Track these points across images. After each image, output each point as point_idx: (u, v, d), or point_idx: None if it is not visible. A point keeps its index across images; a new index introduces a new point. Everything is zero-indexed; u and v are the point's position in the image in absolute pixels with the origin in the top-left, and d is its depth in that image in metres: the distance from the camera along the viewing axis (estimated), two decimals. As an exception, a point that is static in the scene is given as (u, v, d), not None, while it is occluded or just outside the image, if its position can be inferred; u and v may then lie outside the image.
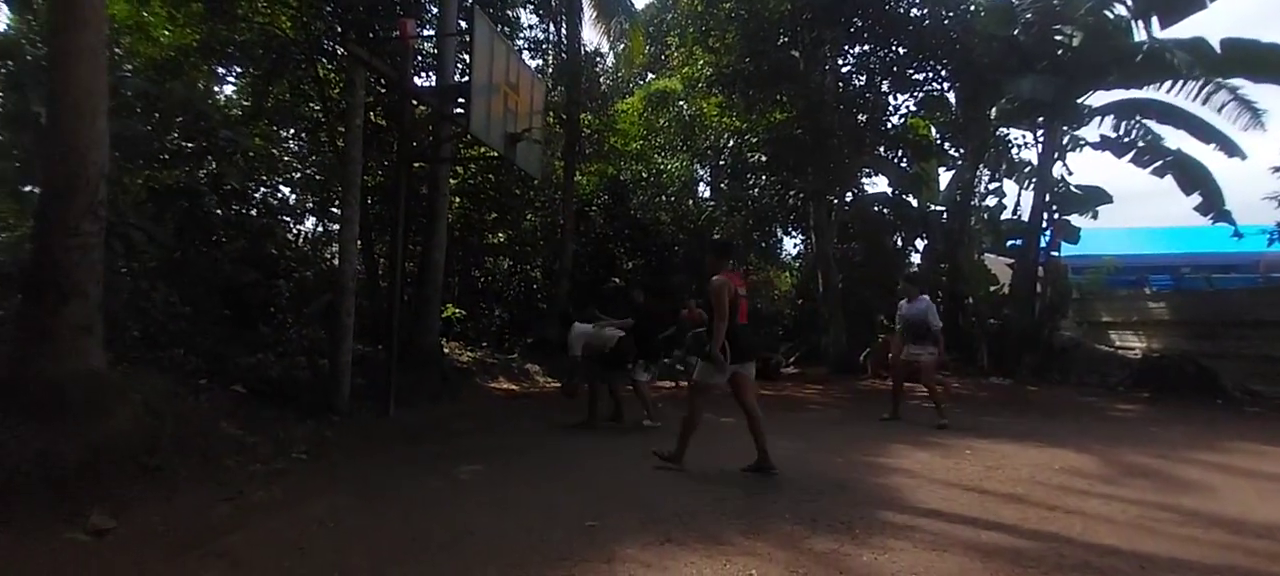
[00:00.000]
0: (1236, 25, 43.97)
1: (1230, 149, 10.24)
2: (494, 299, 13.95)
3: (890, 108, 12.99)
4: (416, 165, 9.26)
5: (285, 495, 3.92)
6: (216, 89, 11.24)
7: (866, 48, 12.25)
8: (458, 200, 12.81)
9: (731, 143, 14.67)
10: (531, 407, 6.84)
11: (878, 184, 15.06)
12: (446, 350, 10.32)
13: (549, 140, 12.30)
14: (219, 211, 8.00)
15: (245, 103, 11.17)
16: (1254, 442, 5.93)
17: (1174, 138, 11.03)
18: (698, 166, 17.19)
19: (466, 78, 7.00)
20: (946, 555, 2.98)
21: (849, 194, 14.40)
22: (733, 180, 15.72)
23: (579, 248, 13.43)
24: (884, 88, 12.62)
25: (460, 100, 7.15)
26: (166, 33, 9.43)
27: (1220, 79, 9.91)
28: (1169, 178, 10.79)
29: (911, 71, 12.00)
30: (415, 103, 8.46)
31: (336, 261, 7.82)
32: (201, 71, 10.10)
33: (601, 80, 15.93)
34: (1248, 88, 10.06)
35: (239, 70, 11.07)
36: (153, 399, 4.52)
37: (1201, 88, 10.09)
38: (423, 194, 9.77)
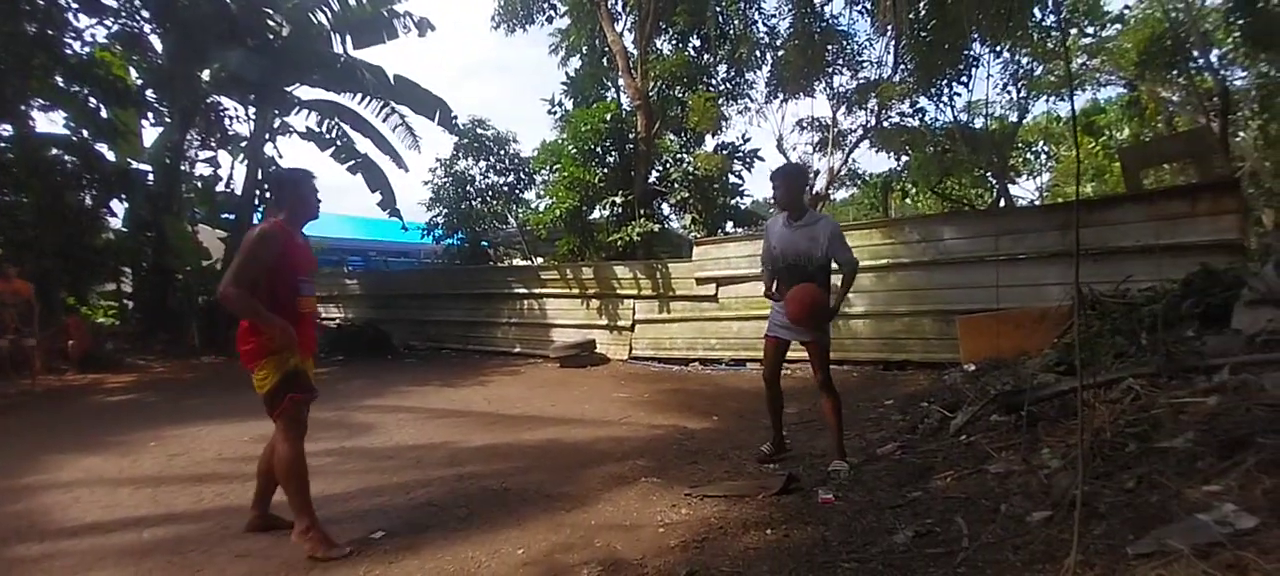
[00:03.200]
0: (402, 65, 57.76)
1: (399, 161, 13.26)
2: None
3: (71, 29, 10.19)
4: None
5: None
6: None
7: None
8: None
9: None
10: None
11: (56, 122, 11.61)
12: None
13: None
14: None
15: None
16: (408, 386, 7.94)
17: (363, 144, 13.35)
18: None
19: None
20: (93, 573, 2.61)
21: (6, 127, 10.48)
22: None
23: None
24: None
25: None
26: None
27: (394, 104, 12.68)
28: (360, 176, 13.02)
29: (101, -8, 9.78)
30: None
31: None
32: None
33: None
34: (412, 117, 13.30)
35: None
36: None
37: (382, 108, 12.66)
38: None
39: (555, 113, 12.72)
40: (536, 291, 11.54)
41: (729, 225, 12.63)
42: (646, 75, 11.21)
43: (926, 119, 15.13)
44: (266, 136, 12.15)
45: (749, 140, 12.14)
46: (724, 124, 13.19)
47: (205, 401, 6.96)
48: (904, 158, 16.58)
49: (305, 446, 2.86)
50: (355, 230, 19.98)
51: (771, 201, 4.72)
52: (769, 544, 2.74)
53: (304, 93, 12.58)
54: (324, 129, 12.62)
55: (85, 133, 11.40)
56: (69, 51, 10.22)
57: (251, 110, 12.11)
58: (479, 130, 13.53)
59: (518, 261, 15.32)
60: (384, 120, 12.85)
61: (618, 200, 11.02)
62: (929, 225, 8.23)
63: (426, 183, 14.10)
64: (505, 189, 13.98)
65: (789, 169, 4.28)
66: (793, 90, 14.26)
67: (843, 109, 15.13)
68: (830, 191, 16.80)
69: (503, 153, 13.73)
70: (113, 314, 12.77)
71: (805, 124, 16.30)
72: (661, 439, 4.91)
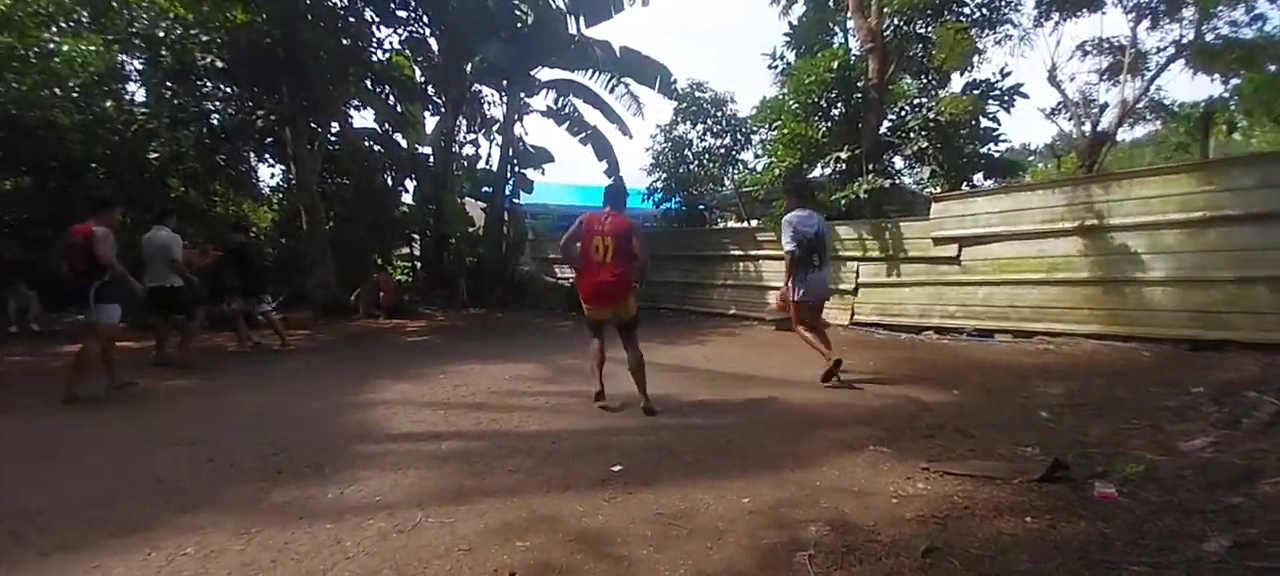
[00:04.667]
0: (627, 38, 60.68)
1: (624, 129, 14.09)
2: None
3: (374, 39, 12.59)
4: None
5: None
6: None
7: (346, -35, 11.45)
8: None
9: (178, 33, 11.54)
10: None
11: (366, 119, 14.62)
12: None
13: None
14: None
15: None
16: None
17: (592, 116, 14.42)
18: (125, 58, 12.86)
19: None
20: (409, 471, 3.30)
21: (335, 125, 13.48)
22: (178, 83, 12.47)
23: None
24: (367, 16, 12.11)
25: None
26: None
27: (619, 75, 13.44)
28: (589, 146, 14.14)
29: (394, 6, 11.88)
30: None
31: None
32: None
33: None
34: (635, 86, 13.97)
35: None
36: None
37: (609, 80, 13.51)
38: None
39: (775, 67, 12.25)
40: (752, 253, 11.47)
41: (977, 177, 10.99)
42: (881, 11, 10.15)
43: (1268, 28, 11.39)
44: (516, 117, 13.79)
45: (1009, 74, 10.18)
46: (977, 58, 11.40)
47: (474, 345, 8.30)
48: (1234, 81, 12.73)
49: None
50: (581, 198, 21.84)
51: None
52: (1029, 532, 2.41)
53: (544, 74, 13.98)
54: (560, 106, 13.91)
55: (387, 125, 14.13)
56: (373, 58, 12.64)
57: (503, 95, 13.81)
58: (696, 93, 13.68)
59: (733, 224, 15.34)
60: (611, 92, 13.73)
61: (842, 156, 10.30)
62: (1271, 166, 6.28)
63: (647, 149, 14.77)
64: (721, 151, 14.00)
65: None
66: (1074, 6, 11.71)
67: (1145, 23, 12.05)
68: (1120, 130, 13.64)
69: (719, 114, 13.73)
70: (406, 272, 15.83)
71: (1090, 48, 13.40)
72: (890, 409, 4.57)
